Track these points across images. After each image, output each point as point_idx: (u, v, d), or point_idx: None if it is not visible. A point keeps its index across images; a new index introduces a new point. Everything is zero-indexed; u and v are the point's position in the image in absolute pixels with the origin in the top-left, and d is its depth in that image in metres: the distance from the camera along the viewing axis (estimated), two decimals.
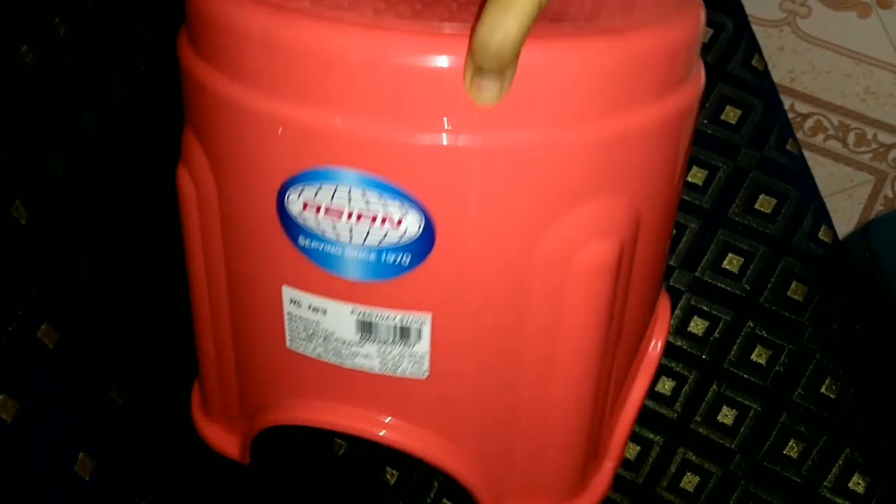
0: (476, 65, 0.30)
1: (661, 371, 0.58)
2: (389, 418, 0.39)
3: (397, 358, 0.37)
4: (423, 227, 0.33)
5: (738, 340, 0.56)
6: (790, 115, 0.74)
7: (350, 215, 0.33)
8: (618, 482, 0.54)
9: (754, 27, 0.54)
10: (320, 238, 0.34)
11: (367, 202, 0.33)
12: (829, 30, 0.69)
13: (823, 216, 0.56)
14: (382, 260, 0.34)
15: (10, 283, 0.42)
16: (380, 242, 0.34)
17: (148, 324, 0.52)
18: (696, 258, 0.57)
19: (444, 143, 0.31)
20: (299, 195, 0.34)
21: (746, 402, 0.56)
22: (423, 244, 0.34)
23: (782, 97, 0.69)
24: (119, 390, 0.48)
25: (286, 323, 0.38)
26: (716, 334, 0.57)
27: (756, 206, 0.55)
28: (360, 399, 0.39)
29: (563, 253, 0.35)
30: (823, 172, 0.71)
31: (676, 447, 0.58)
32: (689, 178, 0.56)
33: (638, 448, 0.58)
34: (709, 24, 0.55)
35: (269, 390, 0.41)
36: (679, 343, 0.58)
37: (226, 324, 0.42)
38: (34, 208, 0.43)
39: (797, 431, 0.55)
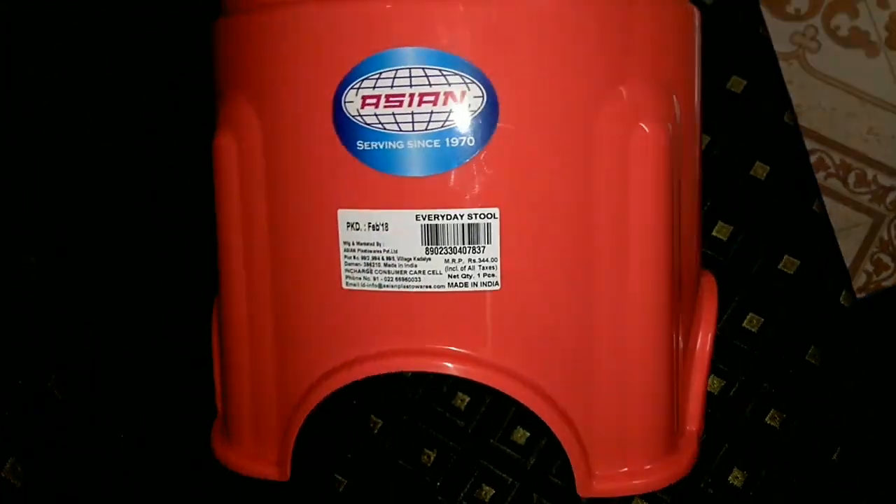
0: None
1: None
2: (463, 350, 0.35)
3: (466, 268, 0.35)
4: (486, 101, 0.33)
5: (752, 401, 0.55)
6: None
7: (412, 99, 0.33)
8: None
9: None
10: (381, 135, 0.34)
11: (429, 80, 0.33)
12: (836, 67, 0.71)
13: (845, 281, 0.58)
14: (447, 145, 0.34)
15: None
16: (443, 125, 0.34)
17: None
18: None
19: (501, 8, 0.33)
20: (357, 91, 0.34)
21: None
22: (487, 120, 0.34)
23: None
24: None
25: (342, 258, 0.36)
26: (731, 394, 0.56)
27: (780, 267, 0.57)
28: (429, 331, 0.35)
29: (619, 131, 0.35)
30: None
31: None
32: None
33: None
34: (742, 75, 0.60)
35: (321, 354, 0.37)
36: None
37: (265, 300, 0.38)
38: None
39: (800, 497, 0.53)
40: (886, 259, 0.70)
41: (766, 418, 0.54)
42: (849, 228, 0.68)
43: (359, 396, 0.55)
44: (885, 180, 0.69)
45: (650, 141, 0.36)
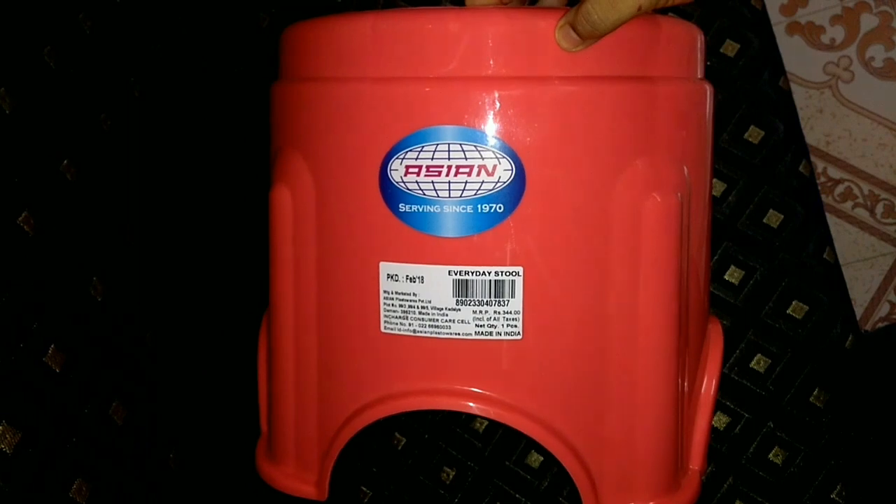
0: (570, 21, 0.37)
1: None
2: (486, 392, 0.40)
3: (492, 319, 0.39)
4: (515, 174, 0.38)
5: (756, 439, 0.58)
6: (821, 180, 0.76)
7: (449, 170, 0.38)
8: None
9: (795, 86, 0.56)
10: (420, 200, 0.38)
11: (465, 154, 0.38)
12: (869, 97, 0.71)
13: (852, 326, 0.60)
14: (479, 211, 0.38)
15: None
16: (476, 192, 0.38)
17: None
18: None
19: (529, 92, 0.37)
20: (402, 161, 0.38)
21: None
22: (515, 190, 0.38)
23: (815, 160, 0.73)
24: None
25: (381, 304, 0.40)
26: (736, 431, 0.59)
27: (789, 311, 0.60)
28: (456, 374, 0.40)
29: (634, 200, 0.39)
30: (848, 239, 0.72)
31: None
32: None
33: None
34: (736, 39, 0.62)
35: (360, 389, 0.42)
36: None
37: (311, 339, 0.43)
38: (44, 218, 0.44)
39: None
40: None
41: (770, 455, 0.57)
42: (875, 258, 0.69)
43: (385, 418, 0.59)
44: None
45: (661, 209, 0.40)
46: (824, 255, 0.60)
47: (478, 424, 0.60)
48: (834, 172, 0.69)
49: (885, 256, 0.72)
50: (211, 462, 0.53)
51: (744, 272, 0.59)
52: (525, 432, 0.40)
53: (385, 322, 0.40)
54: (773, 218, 0.60)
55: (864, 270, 0.67)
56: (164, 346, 0.52)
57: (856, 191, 0.70)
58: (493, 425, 0.58)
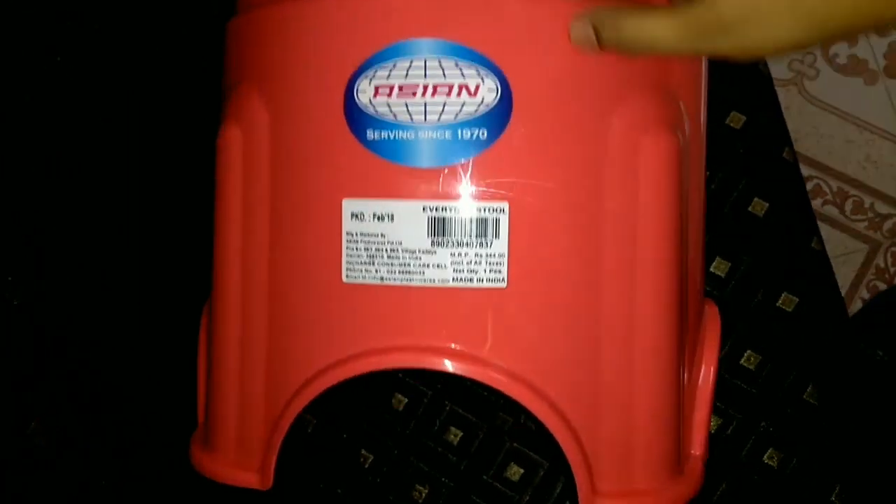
0: (596, 22, 0.33)
1: None
2: (465, 349, 0.34)
3: (473, 263, 0.34)
4: (500, 95, 0.33)
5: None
6: None
7: (425, 90, 0.33)
8: None
9: None
10: (392, 125, 0.34)
11: (444, 72, 0.33)
12: (835, 94, 0.71)
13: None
14: (459, 137, 0.33)
15: None
16: (456, 116, 0.33)
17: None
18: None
19: (521, 4, 0.33)
20: (371, 80, 0.34)
21: None
22: (500, 114, 0.33)
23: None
24: None
25: (343, 248, 0.35)
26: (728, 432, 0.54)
27: (778, 304, 0.57)
28: (431, 328, 0.34)
29: (631, 135, 0.35)
30: None
31: None
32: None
33: None
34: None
35: (315, 351, 0.36)
36: None
37: (261, 295, 0.37)
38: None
39: None
40: (882, 286, 0.70)
41: (765, 457, 0.52)
42: (846, 255, 0.67)
43: (349, 430, 0.53)
44: (882, 208, 0.69)
45: (662, 147, 0.36)
46: (812, 245, 0.57)
47: (452, 436, 0.54)
48: (802, 170, 0.68)
49: (855, 253, 0.70)
50: (144, 458, 0.47)
51: (730, 263, 0.55)
52: (511, 395, 0.34)
53: (347, 270, 0.35)
54: (758, 206, 0.57)
55: (835, 268, 0.66)
56: (92, 328, 0.46)
57: (825, 188, 0.69)
58: (469, 436, 0.52)
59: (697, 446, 0.40)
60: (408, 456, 0.53)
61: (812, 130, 0.71)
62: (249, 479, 0.38)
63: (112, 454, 0.48)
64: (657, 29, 0.31)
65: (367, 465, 0.53)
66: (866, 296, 0.69)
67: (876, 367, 0.55)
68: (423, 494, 0.53)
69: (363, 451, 0.53)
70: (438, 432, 0.53)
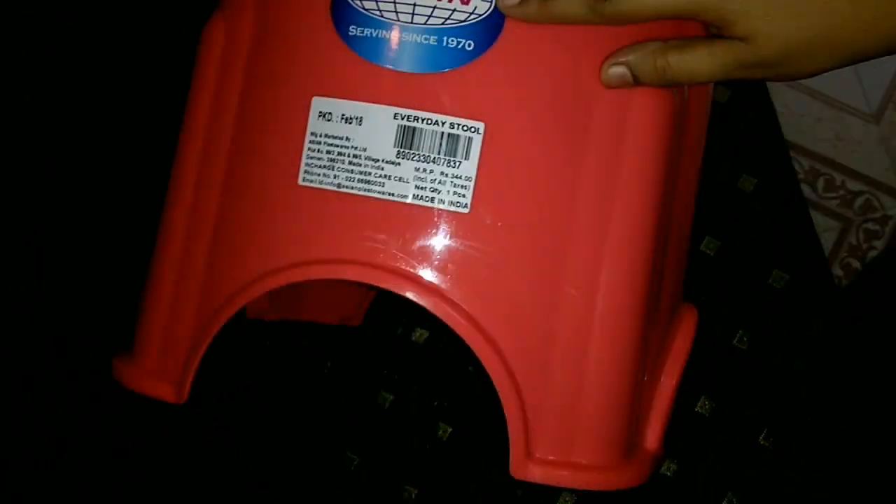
0: (630, 67, 0.31)
1: None
2: (413, 270, 0.31)
3: (437, 181, 0.31)
4: (493, 7, 0.31)
5: None
6: None
7: None
8: None
9: None
10: (376, 22, 0.32)
11: None
12: None
13: None
14: (443, 44, 0.31)
15: None
16: (444, 22, 0.31)
17: None
18: None
19: None
20: None
21: None
22: (491, 27, 0.31)
23: None
24: None
25: (305, 148, 0.32)
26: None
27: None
28: (382, 244, 0.31)
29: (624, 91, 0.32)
30: None
31: None
32: None
33: None
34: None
35: (255, 255, 0.33)
36: None
37: (213, 191, 0.35)
38: None
39: None
40: (856, 264, 0.67)
41: (760, 439, 0.49)
42: (819, 234, 0.65)
43: (334, 432, 0.50)
44: (853, 185, 0.67)
45: (655, 103, 0.33)
46: (799, 220, 0.54)
47: (441, 432, 0.50)
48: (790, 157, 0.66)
49: (828, 232, 0.68)
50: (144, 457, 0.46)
51: (720, 242, 0.52)
52: (455, 329, 0.31)
53: (305, 171, 0.32)
54: (747, 183, 0.54)
55: None
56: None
57: (796, 167, 0.67)
58: (458, 430, 0.49)
59: (652, 440, 0.37)
60: (396, 455, 0.50)
61: (784, 109, 0.68)
62: (165, 390, 0.35)
63: (112, 454, 0.48)
64: (699, 66, 0.31)
65: (352, 468, 0.49)
66: (840, 273, 0.66)
67: (872, 336, 0.51)
68: (413, 495, 0.49)
69: (348, 453, 0.50)
70: (427, 428, 0.50)
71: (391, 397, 0.52)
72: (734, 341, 0.51)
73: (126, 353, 0.38)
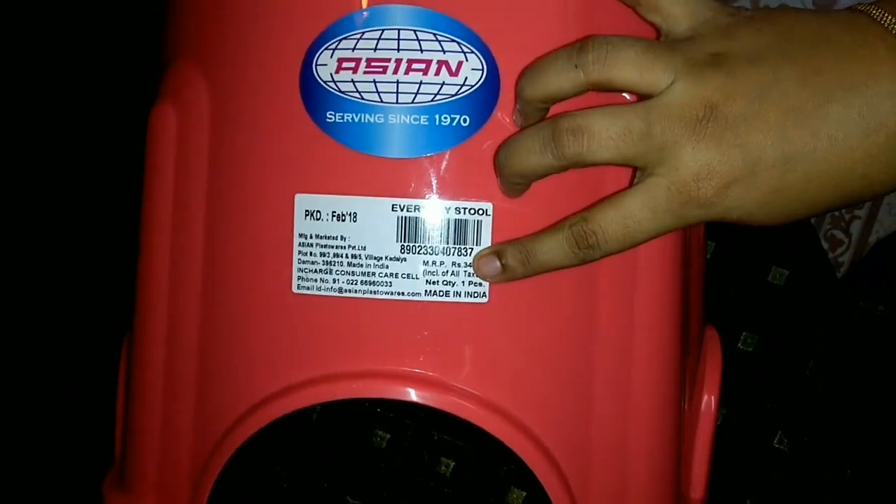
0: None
1: None
2: (435, 374, 0.28)
3: (449, 273, 0.28)
4: (486, 75, 0.28)
5: None
6: None
7: (398, 65, 0.28)
8: None
9: None
10: (357, 106, 0.28)
11: (420, 45, 0.28)
12: None
13: None
14: (436, 123, 0.28)
15: None
16: (433, 98, 0.28)
17: None
18: None
19: None
20: (333, 53, 0.28)
21: None
22: (485, 97, 0.28)
23: None
24: None
25: (295, 253, 0.29)
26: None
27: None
28: (395, 349, 0.29)
29: None
30: None
31: None
32: None
33: None
34: None
35: (256, 377, 0.29)
36: None
37: (192, 310, 0.31)
38: None
39: None
40: (840, 234, 0.67)
41: (774, 442, 0.48)
42: None
43: (328, 478, 0.47)
44: None
45: None
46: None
47: (443, 468, 0.48)
48: None
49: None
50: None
51: (714, 243, 0.51)
52: (491, 432, 0.29)
53: (299, 279, 0.29)
54: None
55: None
56: None
57: None
58: (462, 464, 0.47)
59: (697, 488, 0.35)
60: (397, 496, 0.47)
61: None
62: None
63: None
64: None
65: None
66: (825, 246, 0.66)
67: (878, 323, 0.51)
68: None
69: (348, 499, 0.47)
70: (428, 465, 0.47)
71: (388, 436, 0.49)
72: (738, 344, 0.50)
73: (118, 487, 0.34)
